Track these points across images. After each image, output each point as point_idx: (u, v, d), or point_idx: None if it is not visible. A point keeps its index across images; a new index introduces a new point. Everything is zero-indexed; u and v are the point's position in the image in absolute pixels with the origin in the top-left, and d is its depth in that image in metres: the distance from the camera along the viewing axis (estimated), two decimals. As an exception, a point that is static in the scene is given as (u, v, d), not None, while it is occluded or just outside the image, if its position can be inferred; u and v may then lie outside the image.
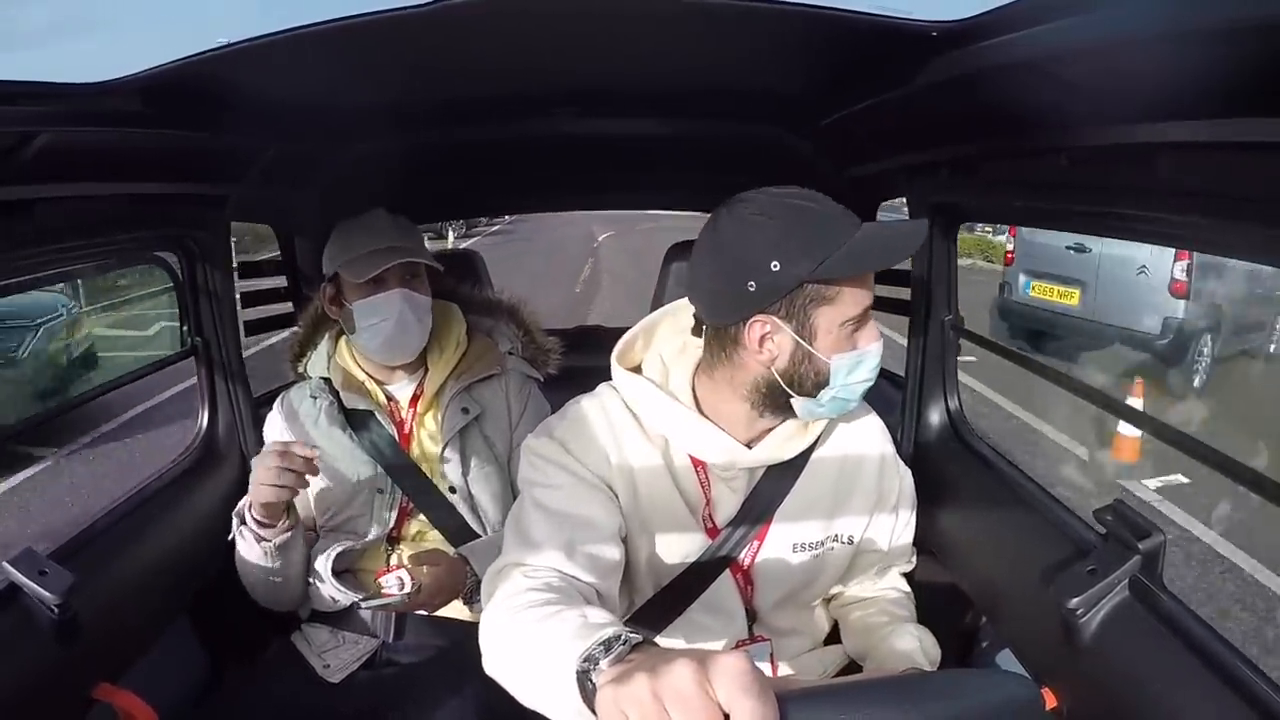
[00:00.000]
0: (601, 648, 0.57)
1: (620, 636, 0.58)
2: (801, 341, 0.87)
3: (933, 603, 1.08)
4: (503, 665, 0.73)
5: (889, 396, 1.49)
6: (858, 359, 0.89)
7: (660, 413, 0.94)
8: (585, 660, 0.57)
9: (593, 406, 0.97)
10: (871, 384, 0.92)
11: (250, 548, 1.13)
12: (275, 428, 1.30)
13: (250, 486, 1.08)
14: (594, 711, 0.53)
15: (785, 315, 0.86)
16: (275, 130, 1.15)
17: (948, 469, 1.25)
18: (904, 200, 1.27)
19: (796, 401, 0.90)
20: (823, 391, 0.89)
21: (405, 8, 0.65)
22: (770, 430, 0.95)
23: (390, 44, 0.80)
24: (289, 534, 1.13)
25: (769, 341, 0.87)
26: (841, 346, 0.88)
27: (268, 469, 1.05)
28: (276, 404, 1.33)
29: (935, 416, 1.30)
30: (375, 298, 1.20)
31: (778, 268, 0.84)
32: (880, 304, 1.63)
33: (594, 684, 0.55)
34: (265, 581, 1.18)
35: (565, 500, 0.89)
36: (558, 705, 0.61)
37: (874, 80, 0.91)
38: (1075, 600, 0.83)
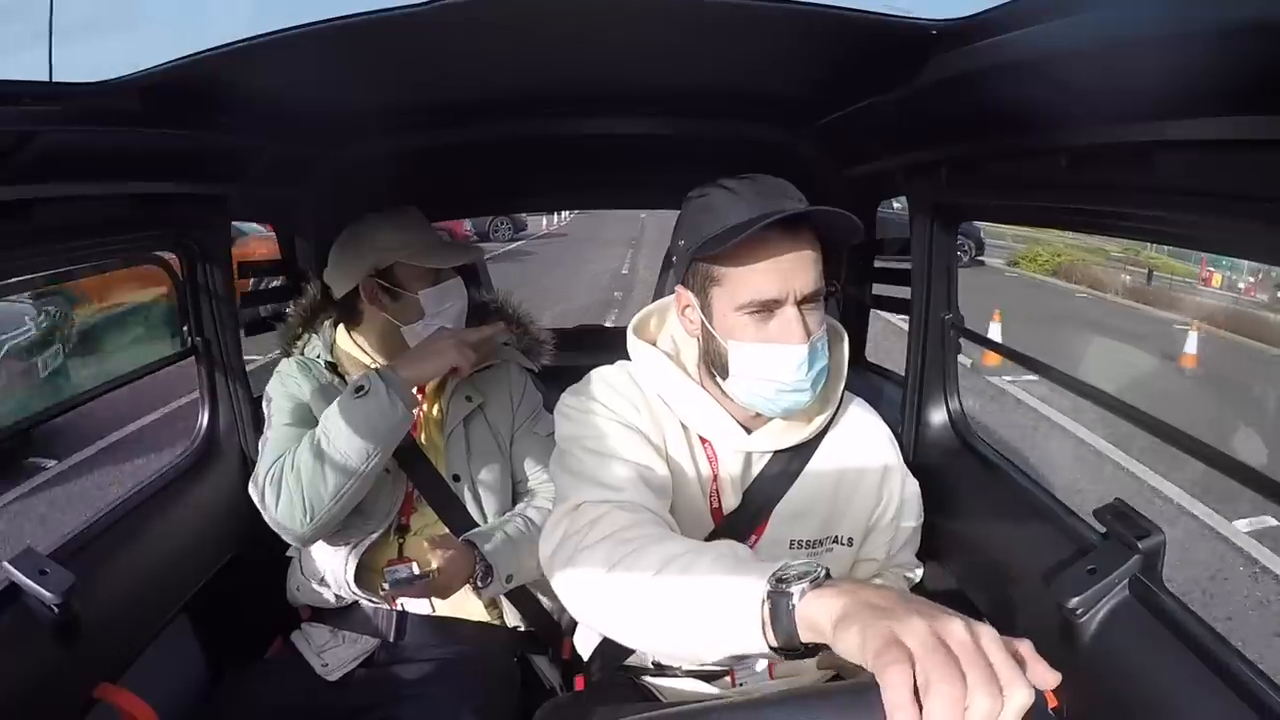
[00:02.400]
0: (799, 572, 0.57)
1: (816, 566, 0.57)
2: (705, 319, 0.90)
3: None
4: (623, 601, 0.70)
5: (889, 396, 1.49)
6: (761, 354, 0.86)
7: (670, 386, 0.95)
8: (777, 581, 0.57)
9: (618, 374, 0.98)
10: (794, 393, 0.87)
11: (380, 407, 1.11)
12: (280, 387, 1.26)
13: (446, 355, 1.19)
14: (782, 631, 0.55)
15: (694, 290, 0.91)
16: (275, 130, 1.15)
17: (948, 468, 1.25)
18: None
19: (720, 380, 0.92)
20: (731, 378, 0.90)
21: (404, 7, 0.65)
22: (769, 418, 0.95)
23: (389, 43, 0.80)
24: (412, 409, 1.19)
25: (689, 312, 0.93)
26: (741, 334, 0.87)
27: (465, 343, 1.20)
28: (283, 364, 1.30)
29: (936, 416, 1.30)
30: (443, 285, 1.26)
31: (683, 243, 0.92)
32: (881, 303, 1.65)
33: (793, 603, 0.55)
34: (342, 472, 1.11)
35: (617, 444, 0.89)
36: (714, 635, 0.61)
37: (874, 80, 0.91)
38: (1075, 600, 0.83)
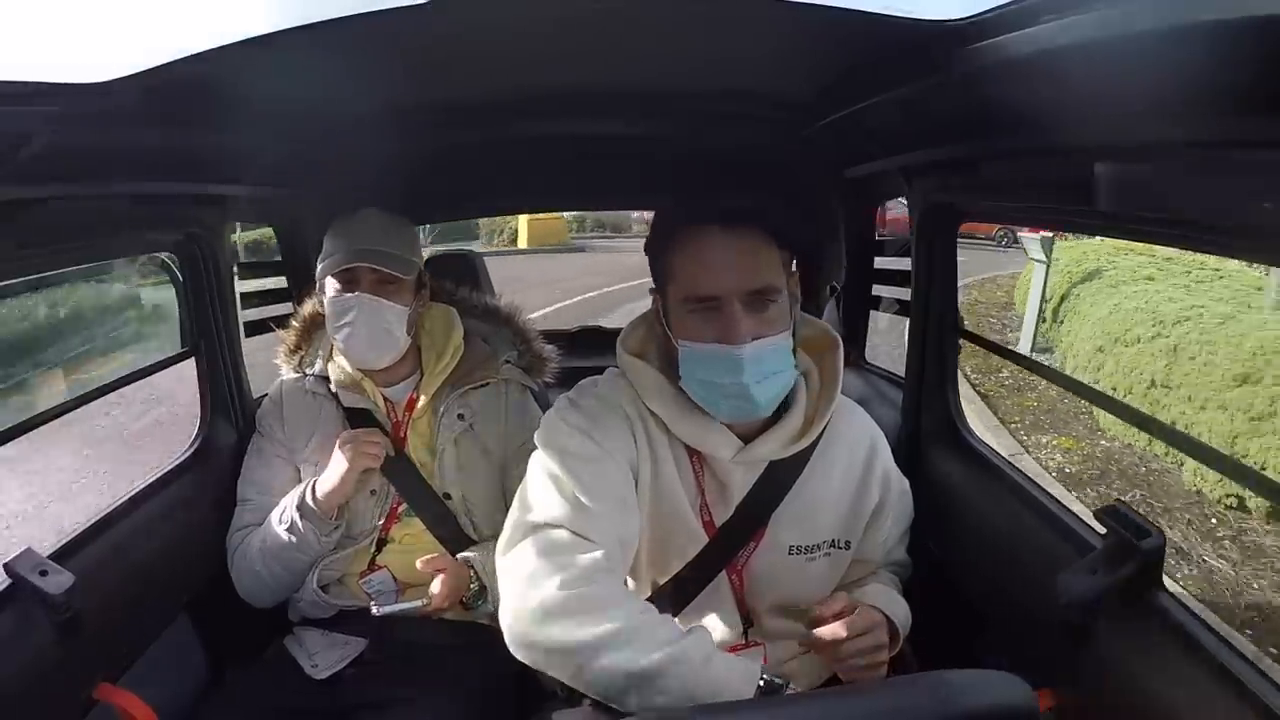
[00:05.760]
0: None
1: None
2: (663, 316, 0.92)
3: (933, 603, 1.08)
4: (611, 651, 0.75)
5: (889, 396, 1.49)
6: (699, 355, 0.86)
7: (659, 399, 0.94)
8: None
9: (610, 388, 0.97)
10: (736, 399, 0.86)
11: (308, 542, 1.19)
12: (271, 416, 1.30)
13: (342, 463, 1.18)
14: None
15: (658, 289, 0.93)
16: (275, 130, 1.15)
17: (947, 469, 1.25)
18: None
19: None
20: (681, 379, 0.90)
21: (404, 7, 0.65)
22: (765, 427, 0.94)
23: (389, 44, 0.80)
24: (339, 530, 1.22)
25: (660, 313, 0.94)
26: (687, 332, 0.87)
27: (362, 442, 1.18)
28: (272, 390, 1.33)
29: (935, 417, 1.30)
30: (341, 299, 1.20)
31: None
32: (880, 304, 1.65)
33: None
34: (289, 575, 1.22)
35: (603, 479, 0.89)
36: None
37: (874, 80, 0.91)
38: (1075, 600, 0.83)
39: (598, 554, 0.82)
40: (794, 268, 0.92)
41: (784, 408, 0.94)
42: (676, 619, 0.97)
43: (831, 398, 0.96)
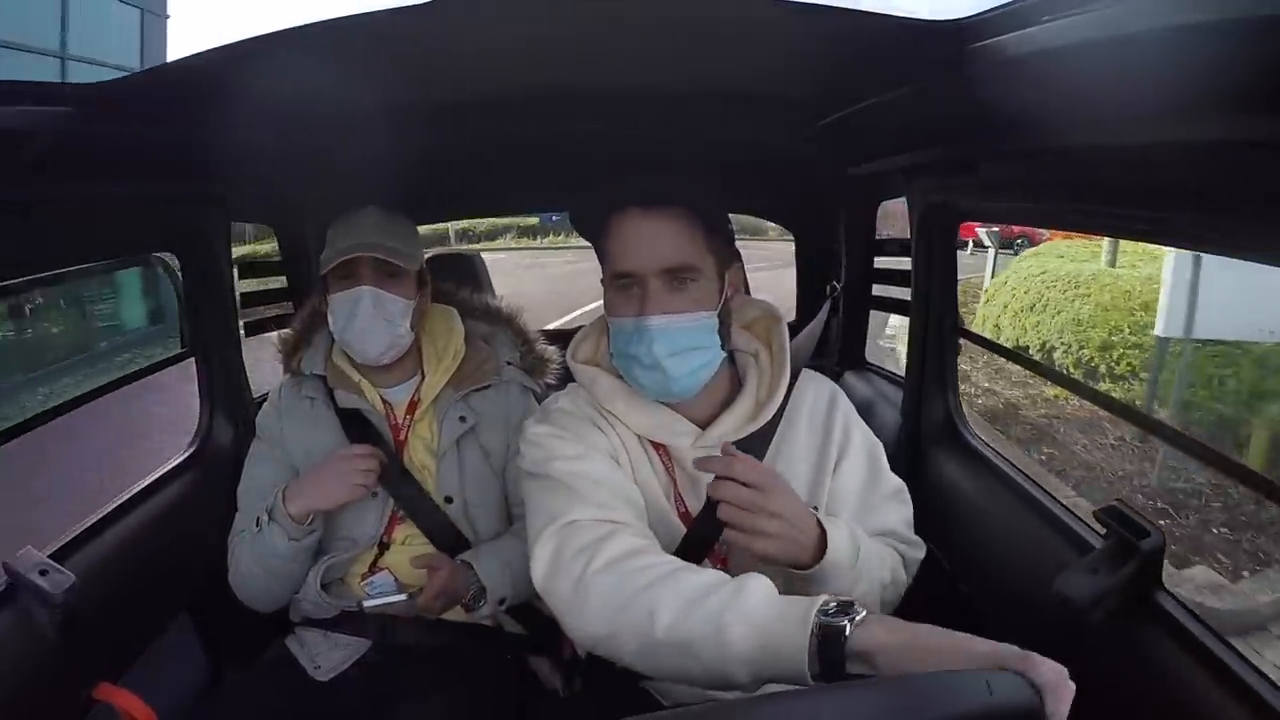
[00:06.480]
0: (837, 607, 0.65)
1: (855, 605, 0.66)
2: (605, 302, 0.94)
3: (933, 603, 1.08)
4: (647, 636, 0.74)
5: (890, 397, 1.49)
6: (617, 329, 0.91)
7: (615, 399, 0.95)
8: (823, 614, 0.65)
9: (573, 400, 0.99)
10: (653, 371, 0.88)
11: (274, 544, 1.15)
12: (269, 420, 1.29)
13: (326, 484, 1.15)
14: (828, 662, 0.63)
15: (604, 278, 0.94)
16: (274, 129, 1.15)
17: (947, 469, 1.25)
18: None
19: None
20: (613, 356, 0.93)
21: (405, 7, 0.65)
22: (721, 408, 0.96)
23: (390, 43, 0.80)
24: (314, 535, 1.17)
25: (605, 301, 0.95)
26: (612, 309, 0.92)
27: (356, 469, 1.15)
28: (271, 394, 1.32)
29: (935, 417, 1.30)
30: (344, 292, 1.19)
31: None
32: (880, 304, 1.65)
33: (847, 633, 0.64)
34: (269, 577, 1.18)
35: (594, 464, 0.91)
36: (748, 670, 0.68)
37: (874, 80, 0.91)
38: (1075, 600, 0.83)
39: (621, 528, 0.84)
40: (732, 256, 0.95)
41: (737, 390, 0.97)
42: None
43: (782, 373, 0.97)
